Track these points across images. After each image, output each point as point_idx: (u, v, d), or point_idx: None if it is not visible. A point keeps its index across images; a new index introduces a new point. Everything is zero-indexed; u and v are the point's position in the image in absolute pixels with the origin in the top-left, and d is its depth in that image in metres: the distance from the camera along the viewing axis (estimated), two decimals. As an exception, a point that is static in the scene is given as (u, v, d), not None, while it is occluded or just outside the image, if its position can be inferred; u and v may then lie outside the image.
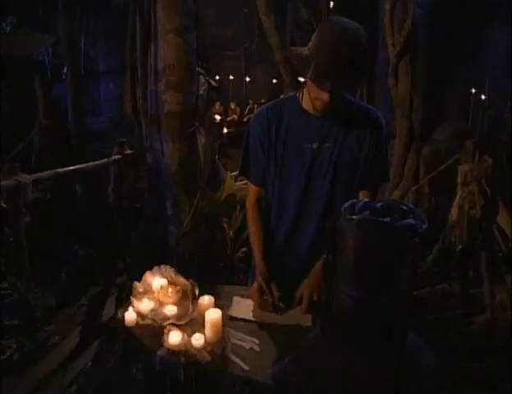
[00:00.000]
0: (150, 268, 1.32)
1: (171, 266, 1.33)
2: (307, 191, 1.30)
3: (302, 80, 1.32)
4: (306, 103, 1.29)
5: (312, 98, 1.22)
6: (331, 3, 4.66)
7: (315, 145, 1.27)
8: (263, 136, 1.32)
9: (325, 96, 1.17)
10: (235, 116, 6.69)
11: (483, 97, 5.36)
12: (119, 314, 1.21)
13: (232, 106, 6.86)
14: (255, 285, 1.31)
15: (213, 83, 3.19)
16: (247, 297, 1.31)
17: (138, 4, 2.92)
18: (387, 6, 3.12)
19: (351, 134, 1.27)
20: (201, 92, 3.00)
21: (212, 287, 1.34)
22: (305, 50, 1.16)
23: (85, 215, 3.61)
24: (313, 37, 1.16)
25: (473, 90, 5.44)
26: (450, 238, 2.74)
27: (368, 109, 1.33)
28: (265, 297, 1.26)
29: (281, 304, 1.25)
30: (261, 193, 1.41)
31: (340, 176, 1.27)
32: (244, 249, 2.84)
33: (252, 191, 1.42)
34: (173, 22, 2.73)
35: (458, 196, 2.67)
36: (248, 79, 7.05)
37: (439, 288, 2.68)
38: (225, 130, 5.33)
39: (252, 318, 1.22)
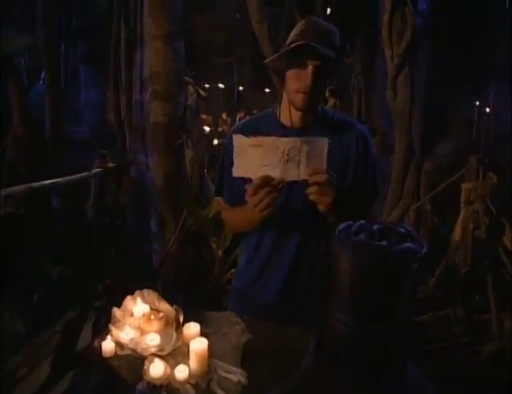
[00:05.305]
0: (131, 292, 1.31)
1: (155, 289, 1.32)
2: (287, 211, 1.29)
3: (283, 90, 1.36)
4: (284, 117, 1.31)
5: (292, 92, 1.24)
6: (328, 10, 4.76)
7: None
8: None
9: (307, 74, 1.19)
10: (225, 127, 6.73)
11: (488, 110, 5.48)
12: (96, 343, 1.19)
13: (224, 116, 6.92)
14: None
15: (202, 93, 3.21)
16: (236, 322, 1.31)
17: (123, 7, 2.94)
18: (386, 17, 3.19)
19: (334, 148, 1.26)
20: (189, 102, 3.02)
21: (198, 314, 1.33)
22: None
23: (62, 232, 3.58)
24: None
25: (477, 103, 5.56)
26: (453, 260, 2.77)
27: (350, 122, 1.37)
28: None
29: None
30: None
31: None
32: (233, 271, 2.83)
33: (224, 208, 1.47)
34: (160, 28, 2.76)
35: (461, 215, 2.71)
36: (240, 88, 7.14)
37: (442, 314, 2.69)
38: (215, 142, 5.36)
39: (257, 176, 1.16)
